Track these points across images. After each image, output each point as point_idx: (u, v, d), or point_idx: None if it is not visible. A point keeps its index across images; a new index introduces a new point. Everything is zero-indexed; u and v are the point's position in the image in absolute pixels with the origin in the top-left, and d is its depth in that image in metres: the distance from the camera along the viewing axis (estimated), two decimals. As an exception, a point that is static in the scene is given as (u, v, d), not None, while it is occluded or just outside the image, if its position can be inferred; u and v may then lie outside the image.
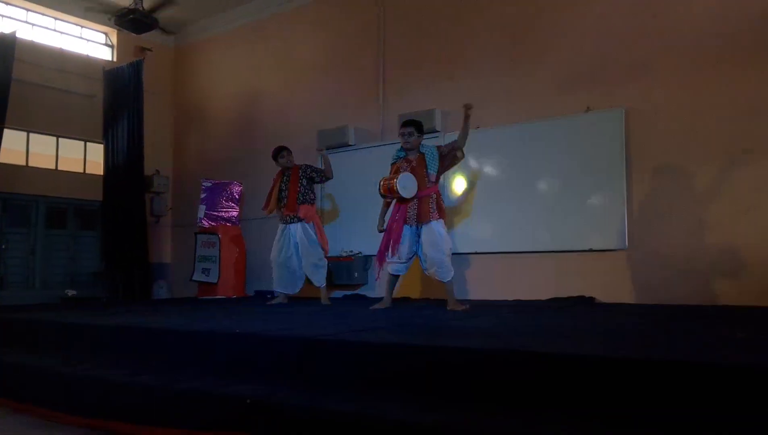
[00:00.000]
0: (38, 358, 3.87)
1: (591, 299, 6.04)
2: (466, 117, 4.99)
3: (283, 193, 6.40)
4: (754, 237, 5.41)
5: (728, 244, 5.53)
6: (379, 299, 5.53)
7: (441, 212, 5.10)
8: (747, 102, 5.54)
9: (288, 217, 6.35)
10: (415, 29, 7.77)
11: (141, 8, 8.39)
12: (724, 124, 5.62)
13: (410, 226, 5.10)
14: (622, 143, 6.04)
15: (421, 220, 5.04)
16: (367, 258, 7.67)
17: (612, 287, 6.01)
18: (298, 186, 6.35)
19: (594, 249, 6.15)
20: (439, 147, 5.23)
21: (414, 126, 5.23)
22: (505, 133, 6.71)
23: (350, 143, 7.97)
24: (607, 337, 3.06)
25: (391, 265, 5.22)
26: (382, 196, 5.19)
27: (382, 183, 5.08)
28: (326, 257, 6.50)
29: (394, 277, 5.33)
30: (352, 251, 7.68)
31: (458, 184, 7.10)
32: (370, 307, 5.30)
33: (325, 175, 6.44)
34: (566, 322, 3.92)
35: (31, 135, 9.00)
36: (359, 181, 7.66)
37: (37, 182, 8.93)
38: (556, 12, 6.67)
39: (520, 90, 6.78)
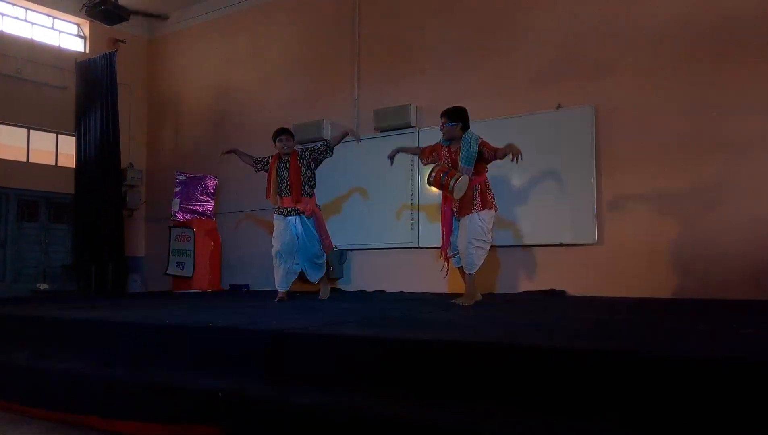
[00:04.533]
0: (7, 352, 3.84)
1: (562, 292, 6.15)
2: (509, 154, 4.64)
3: (283, 182, 5.72)
4: (717, 232, 5.56)
5: (693, 239, 5.68)
6: (360, 292, 5.51)
7: (485, 203, 4.84)
8: (713, 100, 5.68)
9: (286, 210, 5.73)
10: (389, 24, 7.80)
11: (113, -1, 8.31)
12: (691, 122, 5.76)
13: (456, 219, 4.94)
14: (592, 139, 6.15)
15: (463, 213, 4.85)
16: (343, 252, 7.70)
17: (582, 280, 6.13)
18: (300, 175, 5.67)
19: (564, 243, 6.26)
20: (482, 144, 4.83)
21: (447, 115, 4.91)
22: (477, 129, 6.70)
23: (325, 138, 7.95)
24: (574, 329, 3.13)
25: (453, 258, 5.03)
26: (431, 185, 4.89)
27: (434, 175, 4.74)
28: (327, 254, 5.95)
29: (461, 269, 5.02)
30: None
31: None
32: (452, 301, 4.95)
33: (328, 147, 5.79)
34: (536, 315, 4.00)
35: (2, 126, 8.86)
36: (334, 175, 7.68)
37: (8, 174, 8.81)
38: (528, 9, 6.75)
39: (491, 86, 6.85)
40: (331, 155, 5.87)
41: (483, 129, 6.70)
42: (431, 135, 6.72)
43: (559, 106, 6.38)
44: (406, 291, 7.05)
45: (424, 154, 5.22)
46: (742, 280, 5.38)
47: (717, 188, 5.61)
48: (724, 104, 5.62)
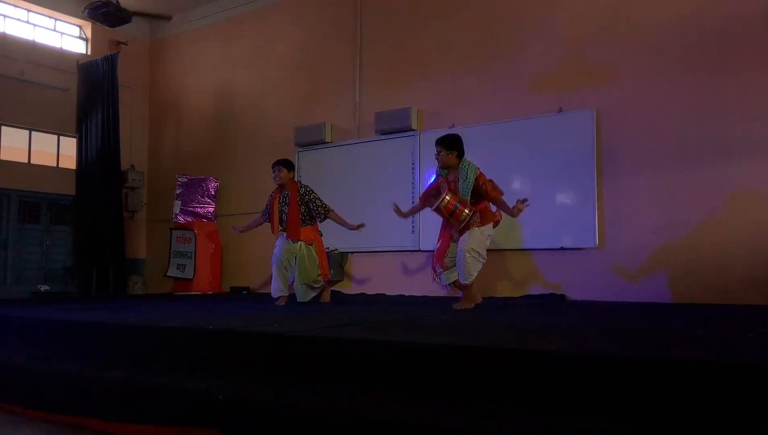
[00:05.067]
0: (5, 354, 3.84)
1: (562, 296, 6.14)
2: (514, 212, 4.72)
3: (283, 216, 5.74)
4: (718, 236, 5.56)
5: (693, 244, 5.67)
6: (361, 295, 5.48)
7: (484, 219, 4.82)
8: (714, 104, 5.69)
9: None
10: (391, 27, 7.81)
11: (115, 1, 8.31)
12: (692, 126, 5.76)
13: (454, 242, 4.90)
14: (594, 143, 6.16)
15: (464, 231, 4.81)
16: (343, 255, 7.70)
17: (582, 285, 6.13)
18: (299, 213, 5.67)
19: (565, 247, 6.25)
20: (479, 177, 4.75)
21: (442, 144, 4.84)
22: (479, 132, 6.76)
23: (327, 140, 7.98)
24: (574, 332, 3.13)
25: (442, 275, 4.99)
26: (435, 210, 4.82)
27: (445, 203, 4.67)
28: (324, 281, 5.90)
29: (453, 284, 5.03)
30: (328, 248, 7.68)
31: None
32: (453, 306, 4.90)
33: (325, 216, 5.77)
34: (537, 319, 3.99)
35: (3, 128, 8.87)
36: (335, 178, 7.70)
37: (9, 176, 8.81)
38: (530, 14, 6.76)
39: (493, 90, 6.86)
40: (320, 219, 5.81)
41: (484, 133, 6.75)
42: (431, 138, 6.73)
43: (561, 110, 6.39)
44: (406, 294, 7.05)
45: (425, 200, 5.14)
46: (744, 285, 5.37)
47: (718, 192, 5.61)
48: (726, 108, 5.62)
